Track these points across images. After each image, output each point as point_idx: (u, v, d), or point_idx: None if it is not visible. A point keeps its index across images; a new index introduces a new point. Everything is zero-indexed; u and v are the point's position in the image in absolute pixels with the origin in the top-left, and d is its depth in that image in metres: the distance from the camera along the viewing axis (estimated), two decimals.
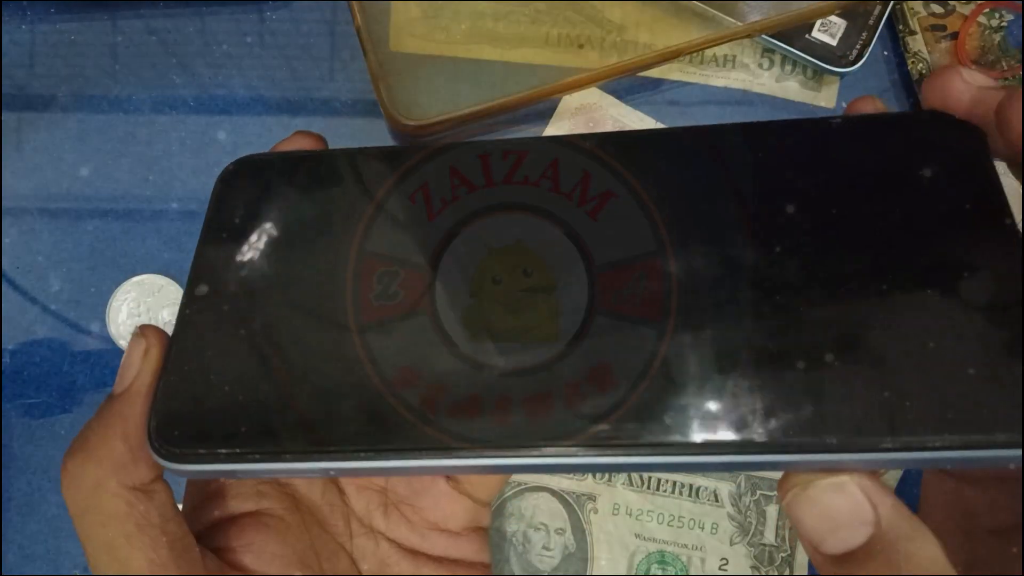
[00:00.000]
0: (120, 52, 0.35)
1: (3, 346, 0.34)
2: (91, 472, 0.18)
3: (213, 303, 0.20)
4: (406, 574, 0.24)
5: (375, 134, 0.36)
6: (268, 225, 0.22)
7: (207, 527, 0.22)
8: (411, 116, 0.32)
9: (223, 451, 0.19)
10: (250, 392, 0.19)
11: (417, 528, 0.24)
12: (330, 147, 0.23)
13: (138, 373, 0.19)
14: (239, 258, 0.21)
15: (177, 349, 0.20)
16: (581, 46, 0.34)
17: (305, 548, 0.22)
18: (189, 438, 0.19)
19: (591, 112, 0.36)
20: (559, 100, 0.36)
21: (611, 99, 0.36)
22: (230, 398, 0.19)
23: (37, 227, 0.35)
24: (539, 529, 0.34)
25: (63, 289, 0.35)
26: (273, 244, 0.21)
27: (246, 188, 0.22)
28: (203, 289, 0.20)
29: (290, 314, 0.20)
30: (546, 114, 0.36)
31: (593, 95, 0.36)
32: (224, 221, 0.21)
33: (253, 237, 0.21)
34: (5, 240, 0.35)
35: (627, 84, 0.36)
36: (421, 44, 0.34)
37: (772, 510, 0.34)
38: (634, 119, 0.36)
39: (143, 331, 0.19)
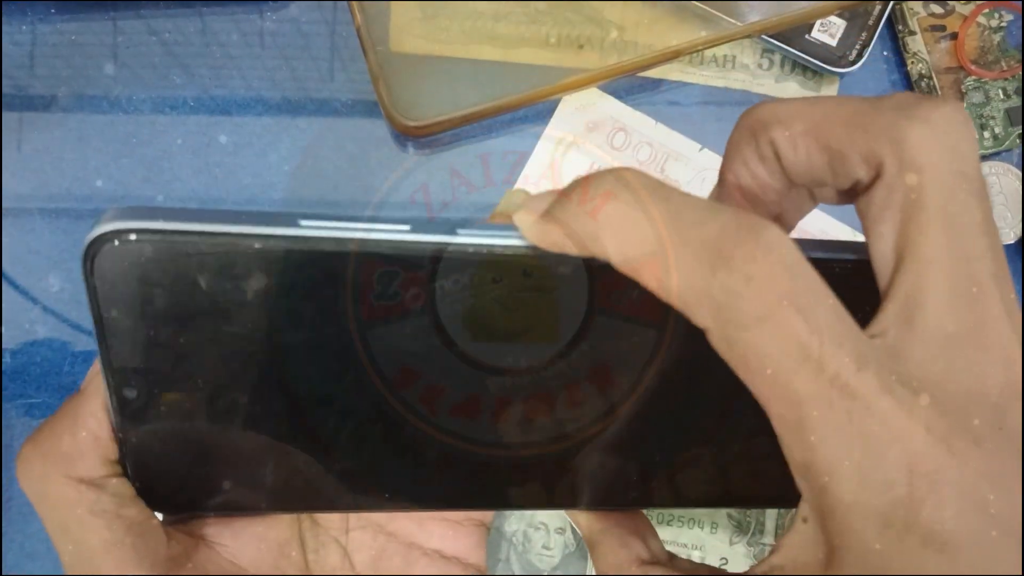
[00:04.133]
0: (120, 52, 0.35)
1: (4, 346, 0.34)
2: (38, 464, 0.19)
3: (153, 401, 0.19)
4: (398, 573, 0.24)
5: (375, 135, 0.36)
6: (186, 299, 0.18)
7: None
8: (411, 116, 0.32)
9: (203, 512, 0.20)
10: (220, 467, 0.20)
11: (417, 516, 0.25)
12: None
13: (95, 376, 0.19)
14: (167, 344, 0.18)
15: (132, 450, 0.19)
16: (581, 46, 0.34)
17: (289, 537, 0.23)
18: (169, 506, 0.20)
19: (591, 113, 0.36)
20: (559, 100, 0.36)
21: (611, 99, 0.36)
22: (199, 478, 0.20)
23: (37, 227, 0.35)
24: (539, 528, 0.34)
25: (63, 289, 0.35)
26: (199, 320, 0.18)
27: (135, 265, 0.17)
28: (132, 392, 0.18)
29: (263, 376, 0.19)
30: (546, 114, 0.36)
31: (593, 95, 0.36)
32: (123, 308, 0.18)
33: (172, 316, 0.18)
34: (5, 240, 0.35)
35: (627, 84, 0.36)
36: (421, 44, 0.34)
37: (771, 510, 0.34)
38: (634, 119, 0.36)
39: None
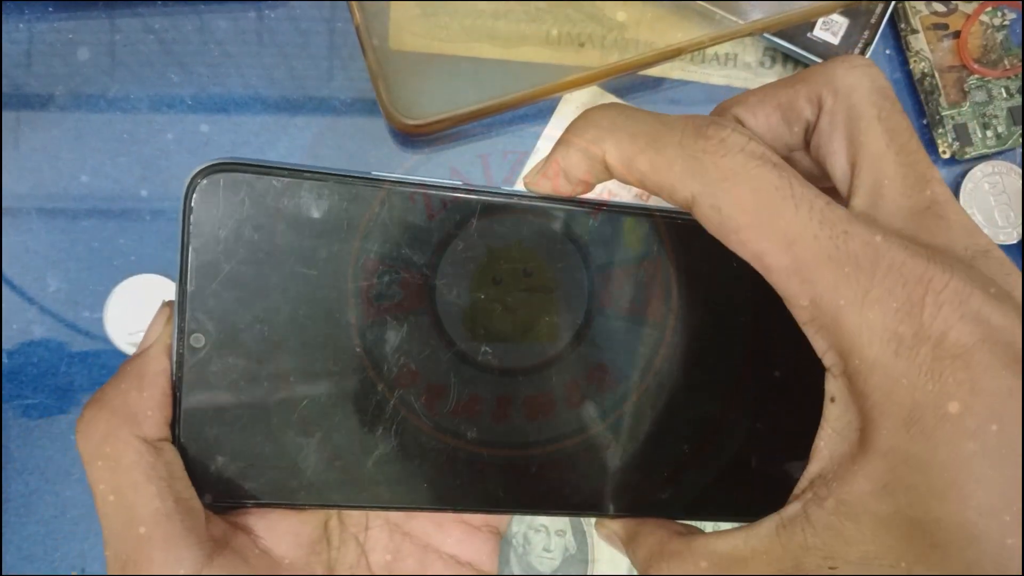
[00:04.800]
0: (118, 51, 0.35)
1: (1, 346, 0.34)
2: (105, 421, 0.19)
3: (217, 355, 0.19)
4: (412, 573, 0.24)
5: (375, 133, 0.36)
6: (266, 249, 0.19)
7: None
8: (411, 115, 0.32)
9: (245, 500, 0.20)
10: (268, 451, 0.20)
11: (436, 518, 0.25)
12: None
13: (159, 336, 0.20)
14: (240, 297, 0.19)
15: (187, 410, 0.20)
16: (582, 44, 0.34)
17: (321, 535, 0.23)
18: (216, 493, 0.20)
19: None
20: (559, 99, 0.36)
21: (612, 98, 0.36)
22: (247, 458, 0.20)
23: (35, 227, 0.35)
24: (539, 531, 0.34)
25: (61, 289, 0.35)
26: (275, 271, 0.20)
27: (229, 203, 0.19)
28: (200, 340, 0.19)
29: (301, 348, 0.20)
30: (546, 113, 0.36)
31: (594, 94, 0.36)
32: (210, 249, 0.19)
33: (251, 267, 0.19)
34: (3, 239, 0.35)
35: (628, 83, 0.36)
36: (421, 43, 0.34)
37: None
38: None
39: (169, 304, 0.20)
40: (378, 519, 0.24)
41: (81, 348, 0.35)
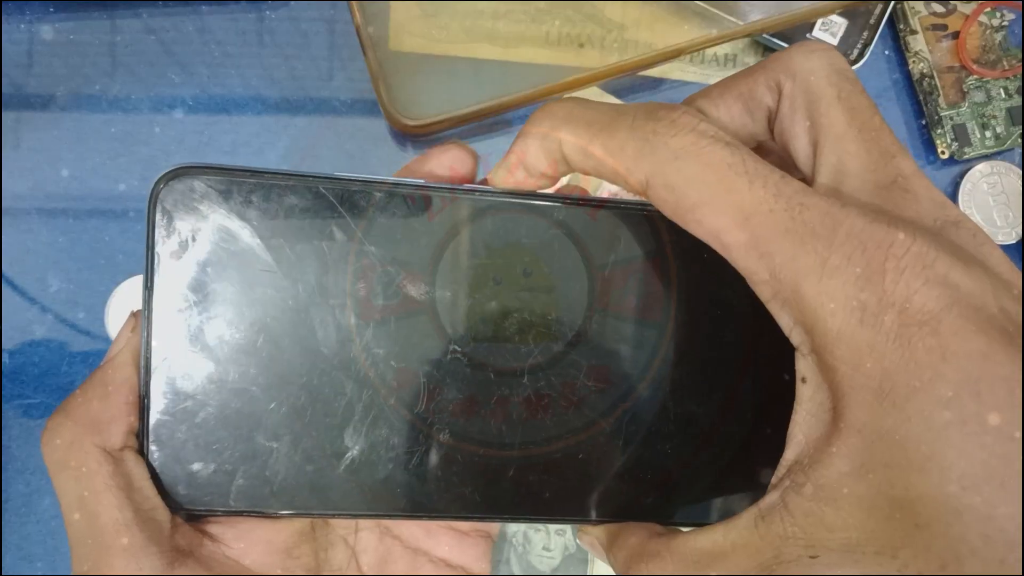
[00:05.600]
0: (118, 51, 0.35)
1: (2, 346, 0.34)
2: (69, 430, 0.19)
3: (185, 361, 0.19)
4: (402, 573, 0.24)
5: (375, 133, 0.36)
6: (234, 253, 0.19)
7: None
8: (411, 115, 0.32)
9: (219, 509, 0.20)
10: (240, 465, 0.20)
11: (424, 524, 0.24)
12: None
13: (124, 346, 0.20)
14: (208, 302, 0.19)
15: (155, 417, 0.20)
16: (581, 45, 0.34)
17: (298, 541, 0.22)
18: (185, 501, 0.20)
19: None
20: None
21: (611, 99, 0.36)
22: (220, 470, 0.20)
23: (35, 227, 0.35)
24: (539, 530, 0.34)
25: (61, 289, 0.35)
26: (242, 275, 0.19)
27: (195, 208, 0.19)
28: (168, 345, 0.19)
29: (281, 362, 0.20)
30: None
31: (593, 95, 0.36)
32: (177, 254, 0.19)
33: (218, 271, 0.19)
34: (4, 240, 0.35)
35: (628, 83, 0.36)
36: (421, 43, 0.34)
37: None
38: None
39: (136, 314, 0.20)
40: (367, 522, 0.24)
41: (82, 348, 0.35)
